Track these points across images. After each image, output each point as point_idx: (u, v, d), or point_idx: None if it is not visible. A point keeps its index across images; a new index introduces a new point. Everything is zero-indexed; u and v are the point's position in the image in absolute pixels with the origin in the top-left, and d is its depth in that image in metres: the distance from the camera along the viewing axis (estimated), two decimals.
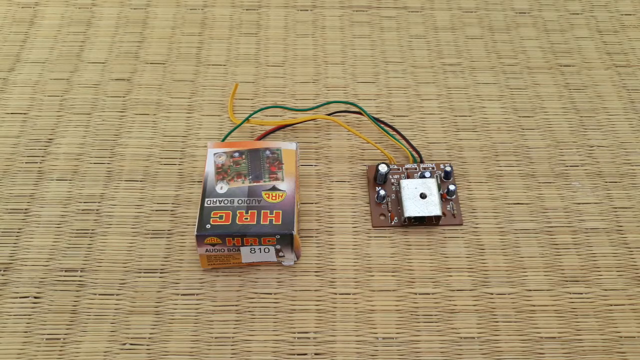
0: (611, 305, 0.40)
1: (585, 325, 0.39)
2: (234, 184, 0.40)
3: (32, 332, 0.38)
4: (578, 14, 0.55)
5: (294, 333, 0.38)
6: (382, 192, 0.42)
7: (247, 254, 0.39)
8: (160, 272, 0.40)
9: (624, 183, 0.45)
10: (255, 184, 0.40)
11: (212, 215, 0.38)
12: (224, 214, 0.38)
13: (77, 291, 0.39)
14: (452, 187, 0.43)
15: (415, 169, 0.44)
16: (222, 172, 0.40)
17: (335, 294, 0.40)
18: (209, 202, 0.39)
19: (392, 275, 0.40)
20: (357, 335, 0.38)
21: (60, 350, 0.37)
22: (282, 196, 0.39)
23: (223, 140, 0.45)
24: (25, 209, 0.42)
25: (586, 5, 0.55)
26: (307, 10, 0.54)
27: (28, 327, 0.38)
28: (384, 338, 0.38)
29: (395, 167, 0.44)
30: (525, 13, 0.55)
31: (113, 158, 0.45)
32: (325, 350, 0.38)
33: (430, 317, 0.39)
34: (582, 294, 0.40)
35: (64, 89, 0.49)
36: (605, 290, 0.40)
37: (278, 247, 0.39)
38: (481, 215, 0.43)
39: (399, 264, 0.41)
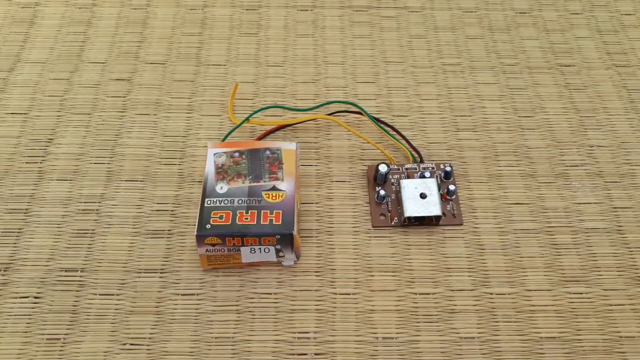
0: (611, 305, 0.40)
1: (585, 325, 0.39)
2: (234, 184, 0.40)
3: (32, 332, 0.38)
4: (578, 14, 0.55)
5: (294, 333, 0.38)
6: (382, 192, 0.42)
7: (247, 254, 0.39)
8: (160, 272, 0.40)
9: (624, 183, 0.45)
10: (255, 184, 0.40)
11: (212, 215, 0.38)
12: (224, 214, 0.38)
13: (77, 291, 0.39)
14: (452, 187, 0.43)
15: (415, 169, 0.44)
16: (222, 172, 0.40)
17: (335, 294, 0.40)
18: (209, 202, 0.39)
19: (392, 275, 0.40)
20: (357, 335, 0.38)
21: (60, 350, 0.37)
22: (282, 196, 0.39)
23: (223, 140, 0.45)
24: (26, 209, 0.42)
25: (586, 5, 0.55)
26: (307, 10, 0.54)
27: (28, 327, 0.38)
28: (384, 338, 0.38)
29: (395, 167, 0.44)
30: (525, 13, 0.55)
31: (113, 158, 0.45)
32: (325, 350, 0.38)
33: (430, 317, 0.39)
34: (582, 294, 0.40)
35: (64, 89, 0.49)
36: (605, 290, 0.40)
37: (278, 247, 0.39)
38: (481, 215, 0.43)
39: (399, 264, 0.41)
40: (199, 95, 0.49)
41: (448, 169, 0.43)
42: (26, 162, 0.45)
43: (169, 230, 0.42)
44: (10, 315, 0.38)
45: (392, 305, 0.39)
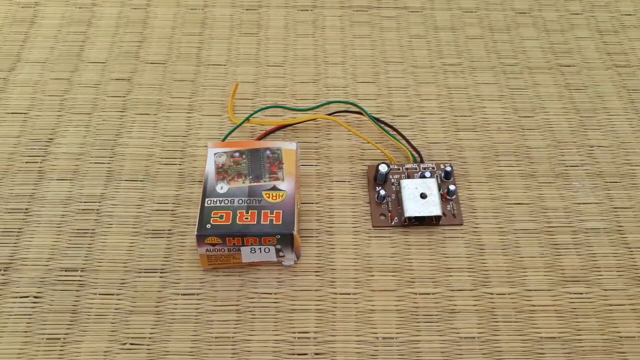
0: (611, 305, 0.40)
1: (585, 325, 0.39)
2: (234, 184, 0.40)
3: (32, 332, 0.38)
4: (578, 14, 0.55)
5: (294, 333, 0.38)
6: (382, 192, 0.42)
7: (247, 254, 0.39)
8: (161, 272, 0.40)
9: (624, 183, 0.45)
10: (255, 183, 0.40)
11: (212, 215, 0.38)
12: (224, 214, 0.38)
13: (77, 291, 0.39)
14: (452, 187, 0.43)
15: (416, 169, 0.44)
16: (222, 172, 0.40)
17: (335, 294, 0.40)
18: (209, 202, 0.39)
19: (392, 275, 0.40)
20: (357, 335, 0.38)
21: (60, 350, 0.37)
22: (282, 196, 0.39)
23: (223, 140, 0.45)
24: (26, 209, 0.42)
25: (586, 5, 0.55)
26: (307, 10, 0.54)
27: (28, 327, 0.38)
28: (384, 338, 0.38)
29: (396, 167, 0.44)
30: (525, 13, 0.55)
31: (113, 158, 0.45)
32: (325, 350, 0.38)
33: (430, 317, 0.39)
34: (582, 294, 0.40)
35: (64, 88, 0.49)
36: (605, 290, 0.40)
37: (278, 247, 0.39)
38: (481, 215, 0.43)
39: (399, 264, 0.41)
40: (199, 95, 0.49)
41: (448, 169, 0.43)
42: (26, 162, 0.45)
43: (169, 230, 0.42)
44: (10, 315, 0.38)
45: (392, 305, 0.39)
